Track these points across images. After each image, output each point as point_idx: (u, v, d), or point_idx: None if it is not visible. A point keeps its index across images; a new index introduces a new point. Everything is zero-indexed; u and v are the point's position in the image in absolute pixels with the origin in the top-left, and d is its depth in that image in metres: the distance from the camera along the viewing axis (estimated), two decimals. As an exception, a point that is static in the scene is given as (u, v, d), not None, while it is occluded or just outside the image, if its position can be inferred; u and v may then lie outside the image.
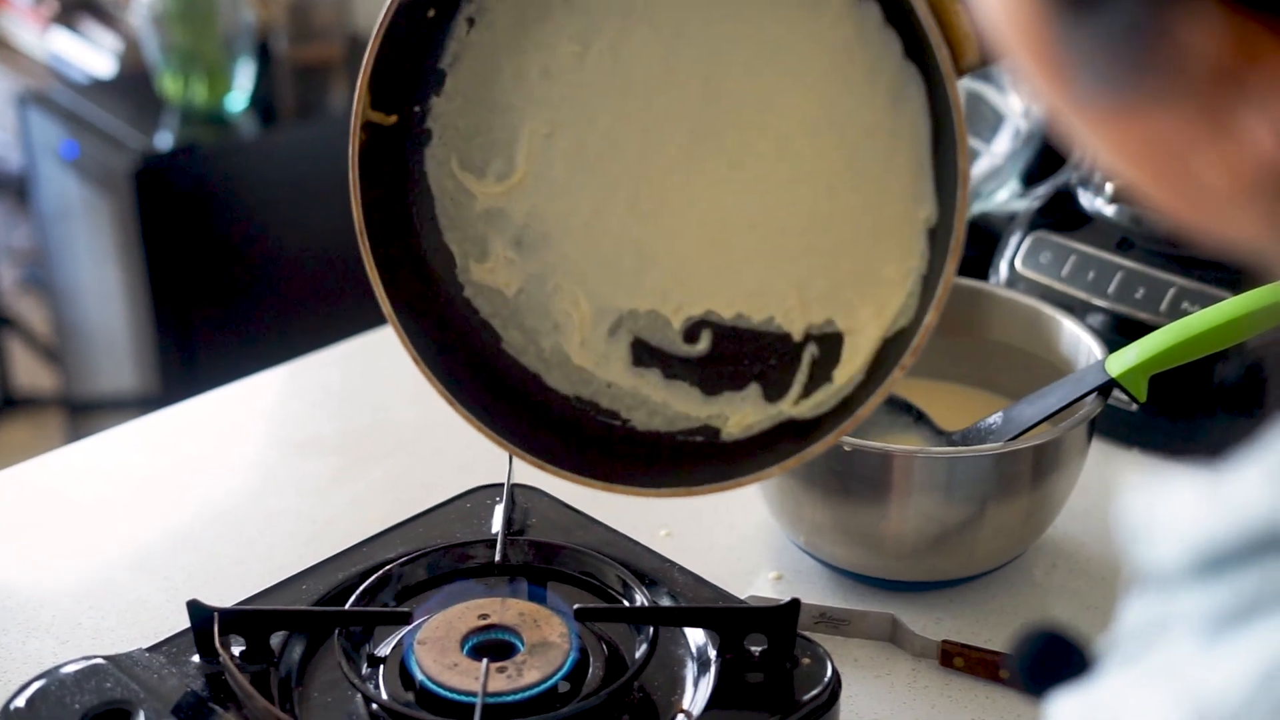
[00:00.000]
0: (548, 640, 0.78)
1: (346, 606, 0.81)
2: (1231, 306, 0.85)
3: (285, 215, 2.21)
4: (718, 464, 0.79)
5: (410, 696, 0.76)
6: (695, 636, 0.81)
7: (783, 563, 0.95)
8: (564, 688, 0.76)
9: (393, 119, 0.80)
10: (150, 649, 0.79)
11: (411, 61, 0.80)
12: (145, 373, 2.22)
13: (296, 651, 0.79)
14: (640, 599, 0.82)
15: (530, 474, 0.82)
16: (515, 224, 0.83)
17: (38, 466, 1.07)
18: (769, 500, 0.94)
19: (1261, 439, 0.38)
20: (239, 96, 2.18)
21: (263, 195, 2.20)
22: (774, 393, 0.80)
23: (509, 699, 0.74)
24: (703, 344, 0.81)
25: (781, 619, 0.78)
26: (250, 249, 2.21)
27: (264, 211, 2.20)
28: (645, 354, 0.82)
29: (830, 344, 0.79)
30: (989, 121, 1.25)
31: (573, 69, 0.80)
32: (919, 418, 0.95)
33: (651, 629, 0.79)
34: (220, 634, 0.77)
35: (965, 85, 1.23)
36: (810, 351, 0.79)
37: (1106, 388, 0.89)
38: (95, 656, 0.77)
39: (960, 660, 0.85)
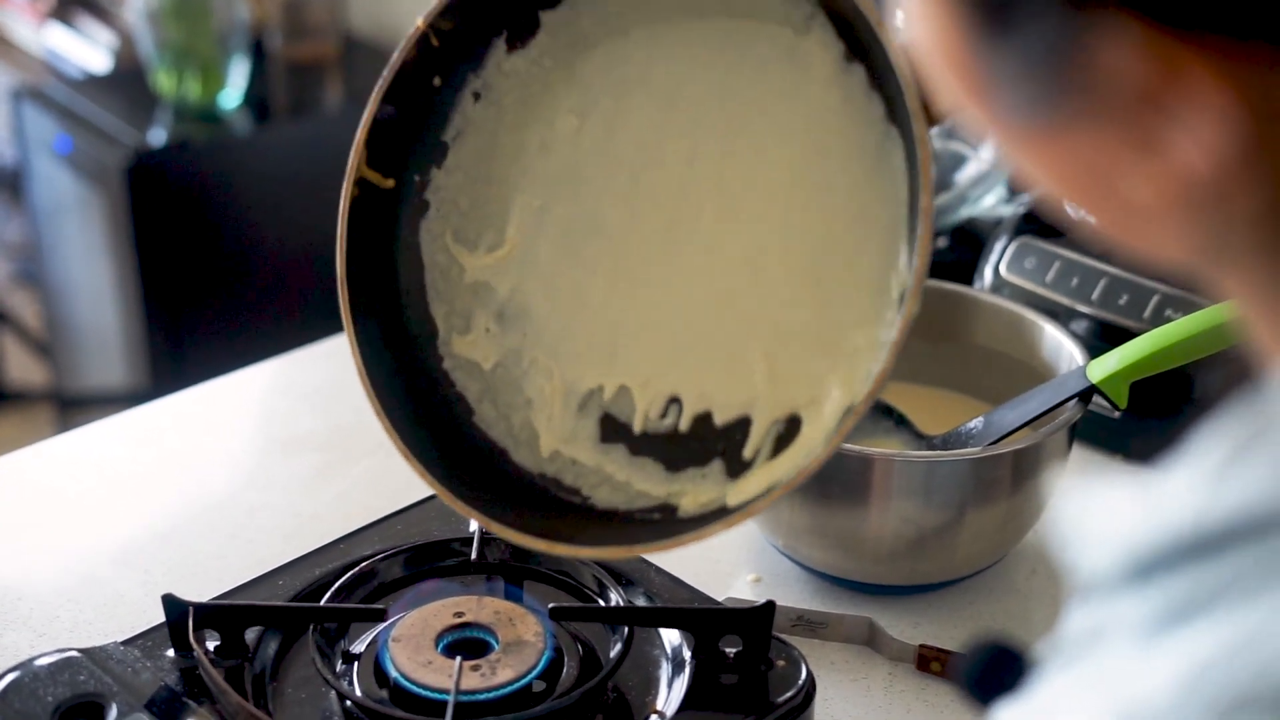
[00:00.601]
0: (522, 639, 0.78)
1: (322, 603, 0.81)
2: (1213, 314, 0.85)
3: (277, 213, 2.21)
4: (665, 527, 0.77)
5: (384, 694, 0.76)
6: (670, 637, 0.81)
7: (761, 565, 0.95)
8: (538, 686, 0.77)
9: (390, 183, 0.79)
10: (125, 642, 0.79)
11: (414, 127, 0.79)
12: (136, 368, 2.22)
13: (271, 647, 0.79)
14: (615, 599, 0.82)
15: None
16: (500, 297, 0.82)
17: (22, 459, 1.07)
18: (749, 502, 0.94)
19: (1189, 444, 0.38)
20: (233, 94, 2.18)
21: (255, 193, 2.20)
22: (737, 468, 0.77)
23: (482, 697, 0.74)
24: (670, 419, 0.80)
25: (756, 620, 0.78)
26: (242, 246, 2.21)
27: (256, 209, 2.20)
28: (612, 430, 0.81)
29: (794, 419, 0.77)
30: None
31: (569, 143, 0.80)
32: (900, 421, 0.95)
33: (627, 629, 0.79)
34: (195, 628, 0.77)
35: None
36: (775, 430, 0.77)
37: (1087, 394, 0.89)
38: (69, 649, 0.77)
39: (937, 665, 0.85)
